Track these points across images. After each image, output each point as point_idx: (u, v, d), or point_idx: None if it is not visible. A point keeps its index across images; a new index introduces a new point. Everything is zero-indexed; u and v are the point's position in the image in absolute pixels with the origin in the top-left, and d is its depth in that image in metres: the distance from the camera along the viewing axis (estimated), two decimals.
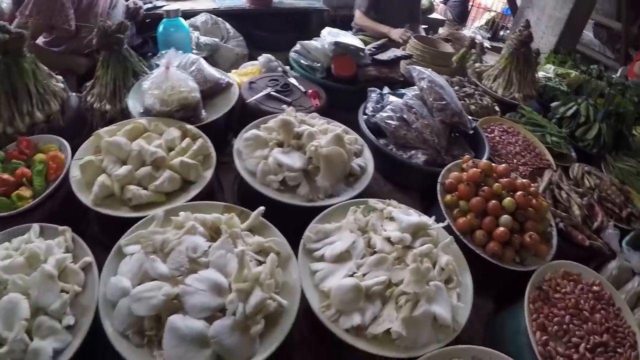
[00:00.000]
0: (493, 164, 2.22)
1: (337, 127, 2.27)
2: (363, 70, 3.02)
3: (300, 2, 5.87)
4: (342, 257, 1.71)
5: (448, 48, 3.99)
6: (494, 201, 2.03)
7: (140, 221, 1.76)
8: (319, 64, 3.01)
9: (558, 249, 2.11)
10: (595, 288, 1.96)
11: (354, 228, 1.81)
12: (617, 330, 1.84)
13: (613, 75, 4.88)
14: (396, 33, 4.63)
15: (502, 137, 2.94)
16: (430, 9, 8.38)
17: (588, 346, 1.74)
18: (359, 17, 5.16)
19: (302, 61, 3.08)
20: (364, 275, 1.65)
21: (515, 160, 2.77)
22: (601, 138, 3.27)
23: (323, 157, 2.00)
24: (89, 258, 1.65)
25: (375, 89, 2.81)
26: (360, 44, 3.09)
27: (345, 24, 5.44)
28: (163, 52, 2.51)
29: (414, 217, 1.86)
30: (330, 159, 2.01)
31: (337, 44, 2.95)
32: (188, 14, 4.57)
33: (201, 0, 5.26)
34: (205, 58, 3.48)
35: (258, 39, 5.22)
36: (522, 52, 3.66)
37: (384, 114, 2.52)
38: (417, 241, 1.77)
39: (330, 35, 3.07)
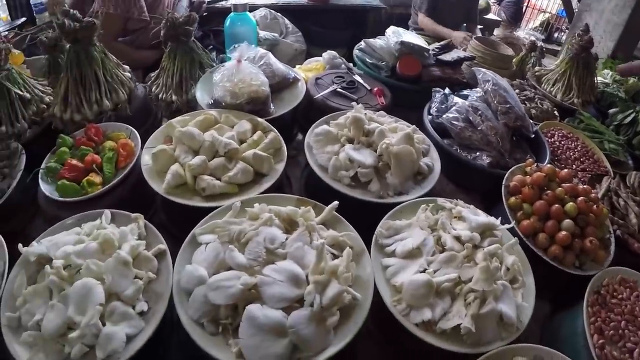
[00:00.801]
0: (556, 169, 2.24)
1: (407, 126, 2.31)
2: (427, 70, 3.06)
3: (358, 0, 5.89)
4: (412, 254, 1.75)
5: (509, 51, 4.00)
6: (557, 205, 2.07)
7: (215, 211, 1.80)
8: (384, 63, 3.05)
9: (614, 256, 2.13)
10: None
11: (424, 226, 1.86)
12: None
13: None
14: (458, 37, 4.65)
15: (562, 142, 2.95)
16: (487, 9, 8.34)
17: None
18: (421, 18, 5.17)
19: (367, 59, 3.13)
20: (434, 272, 1.69)
21: (574, 166, 2.78)
22: None
23: (394, 155, 2.04)
24: (163, 245, 1.69)
25: (439, 89, 2.85)
26: (424, 44, 3.13)
27: (401, 22, 5.44)
28: (236, 45, 2.55)
29: (482, 217, 1.90)
30: (401, 157, 2.05)
31: (402, 43, 3.01)
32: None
33: None
34: None
35: (315, 35, 5.27)
36: (582, 57, 3.64)
37: (450, 115, 2.56)
38: (485, 241, 1.81)
39: (394, 35, 3.12)
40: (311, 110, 2.60)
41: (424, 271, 1.68)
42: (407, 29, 4.80)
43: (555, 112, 3.37)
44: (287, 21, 4.71)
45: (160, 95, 2.63)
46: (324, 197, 1.88)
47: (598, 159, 2.94)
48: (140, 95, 2.61)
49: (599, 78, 4.16)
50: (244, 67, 2.39)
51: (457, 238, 1.80)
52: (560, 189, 2.12)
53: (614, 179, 2.64)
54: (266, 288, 1.48)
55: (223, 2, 4.86)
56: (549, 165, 2.25)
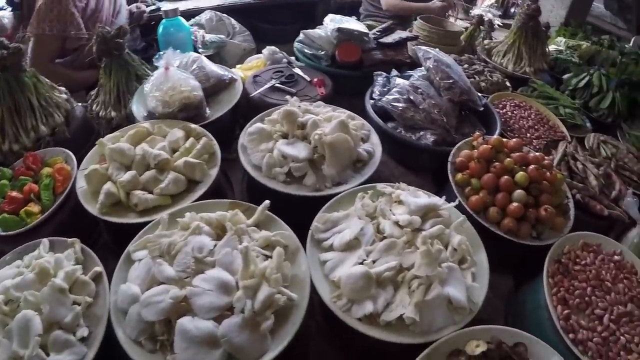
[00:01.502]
0: (504, 139, 2.17)
1: (342, 114, 2.23)
2: (368, 55, 2.98)
3: None
4: (351, 245, 1.69)
5: (455, 27, 3.95)
6: (506, 177, 1.99)
7: (147, 226, 1.77)
8: (323, 52, 2.97)
9: (577, 221, 2.07)
10: (616, 257, 1.91)
11: (362, 214, 1.78)
12: None
13: (626, 45, 4.86)
14: (436, 8, 4.64)
15: (514, 112, 2.90)
16: None
17: (612, 317, 1.69)
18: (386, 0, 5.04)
19: (306, 50, 3.06)
20: (374, 261, 1.62)
21: (528, 134, 2.74)
22: (615, 107, 3.25)
23: (328, 144, 1.97)
24: (99, 268, 1.65)
25: (382, 72, 2.77)
26: (364, 29, 3.05)
27: (353, 10, 5.38)
28: (160, 52, 2.49)
29: (423, 198, 1.81)
30: (335, 146, 1.98)
31: (340, 30, 2.92)
32: (193, 12, 4.56)
33: None
34: (212, 56, 3.49)
35: (264, 33, 5.17)
36: (530, 26, 3.62)
37: (390, 97, 2.49)
38: (427, 223, 1.73)
39: (333, 22, 3.04)
40: (250, 110, 2.52)
41: (362, 262, 1.62)
42: (359, 17, 4.74)
43: (507, 83, 3.32)
44: (233, 21, 4.63)
45: (100, 113, 2.56)
46: (262, 198, 1.81)
47: (554, 124, 2.91)
48: (79, 116, 2.52)
49: (552, 46, 4.20)
50: (172, 74, 2.32)
51: (397, 223, 1.72)
52: (509, 159, 2.05)
53: (571, 143, 2.60)
54: (196, 299, 1.44)
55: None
56: (495, 137, 2.18)
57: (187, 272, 1.53)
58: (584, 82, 3.42)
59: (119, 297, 1.52)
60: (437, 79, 2.54)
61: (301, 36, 3.16)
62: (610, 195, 2.32)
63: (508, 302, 2.04)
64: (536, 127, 2.82)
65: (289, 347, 1.44)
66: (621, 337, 1.66)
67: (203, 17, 4.51)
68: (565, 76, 3.56)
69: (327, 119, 2.16)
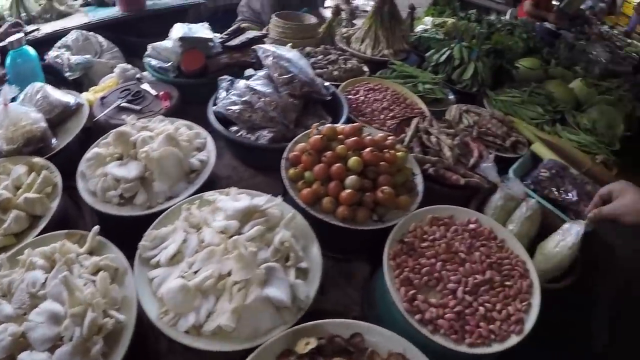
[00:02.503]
0: (341, 126, 2.18)
1: (171, 127, 2.21)
2: (213, 60, 2.95)
3: (176, 0, 5.64)
4: (176, 259, 1.69)
5: (312, 19, 3.95)
6: (337, 164, 1.97)
7: None
8: (169, 63, 2.92)
9: (434, 195, 2.09)
10: (471, 226, 1.93)
11: (186, 226, 1.77)
12: (503, 263, 1.81)
13: (502, 18, 5.02)
14: None
15: (368, 95, 2.93)
16: None
17: (467, 289, 1.70)
18: None
19: (153, 63, 2.99)
20: (195, 272, 1.62)
21: (382, 116, 2.77)
22: (478, 76, 3.36)
23: (155, 160, 1.96)
24: None
25: (227, 77, 2.74)
26: (208, 34, 3.01)
27: (228, 13, 5.31)
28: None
29: (243, 201, 1.79)
30: (163, 161, 1.97)
31: (182, 38, 2.88)
32: (60, 34, 4.39)
33: (74, 17, 5.04)
34: (81, 77, 3.41)
35: (136, 47, 5.00)
36: (386, 10, 3.69)
37: (227, 101, 2.48)
38: (247, 226, 1.73)
39: (178, 32, 2.98)
40: (98, 134, 2.43)
41: (185, 275, 1.62)
42: (237, 17, 4.68)
43: (364, 68, 3.36)
44: (100, 39, 4.47)
45: None
46: (106, 223, 1.84)
47: (411, 103, 2.95)
48: None
49: (420, 26, 4.34)
50: (11, 110, 2.27)
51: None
52: (341, 146, 2.03)
53: (426, 118, 2.62)
54: (31, 333, 1.45)
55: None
56: (327, 126, 2.16)
57: (24, 308, 1.54)
58: (444, 56, 3.51)
59: None
60: (276, 75, 2.53)
61: (149, 49, 3.09)
62: (468, 164, 2.35)
63: (363, 290, 2.03)
64: (391, 107, 2.85)
65: None
66: (480, 308, 1.66)
67: (69, 38, 4.36)
68: (427, 54, 3.66)
69: (160, 134, 2.13)
